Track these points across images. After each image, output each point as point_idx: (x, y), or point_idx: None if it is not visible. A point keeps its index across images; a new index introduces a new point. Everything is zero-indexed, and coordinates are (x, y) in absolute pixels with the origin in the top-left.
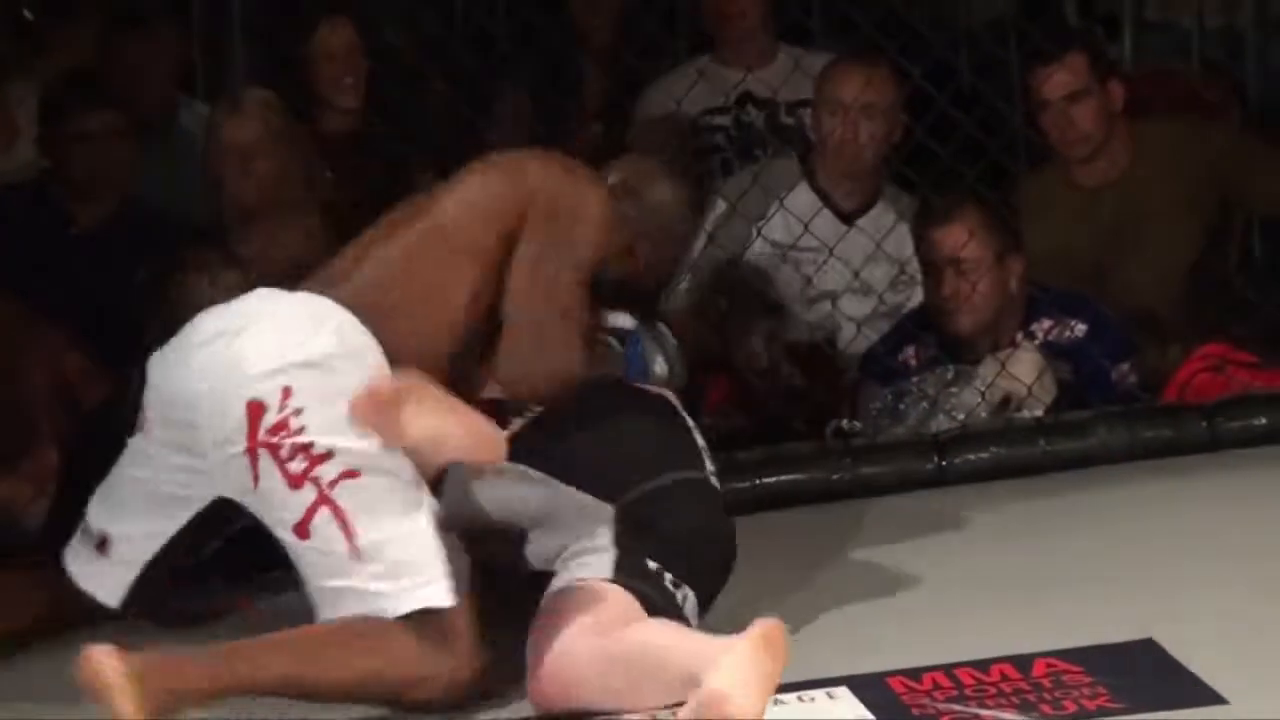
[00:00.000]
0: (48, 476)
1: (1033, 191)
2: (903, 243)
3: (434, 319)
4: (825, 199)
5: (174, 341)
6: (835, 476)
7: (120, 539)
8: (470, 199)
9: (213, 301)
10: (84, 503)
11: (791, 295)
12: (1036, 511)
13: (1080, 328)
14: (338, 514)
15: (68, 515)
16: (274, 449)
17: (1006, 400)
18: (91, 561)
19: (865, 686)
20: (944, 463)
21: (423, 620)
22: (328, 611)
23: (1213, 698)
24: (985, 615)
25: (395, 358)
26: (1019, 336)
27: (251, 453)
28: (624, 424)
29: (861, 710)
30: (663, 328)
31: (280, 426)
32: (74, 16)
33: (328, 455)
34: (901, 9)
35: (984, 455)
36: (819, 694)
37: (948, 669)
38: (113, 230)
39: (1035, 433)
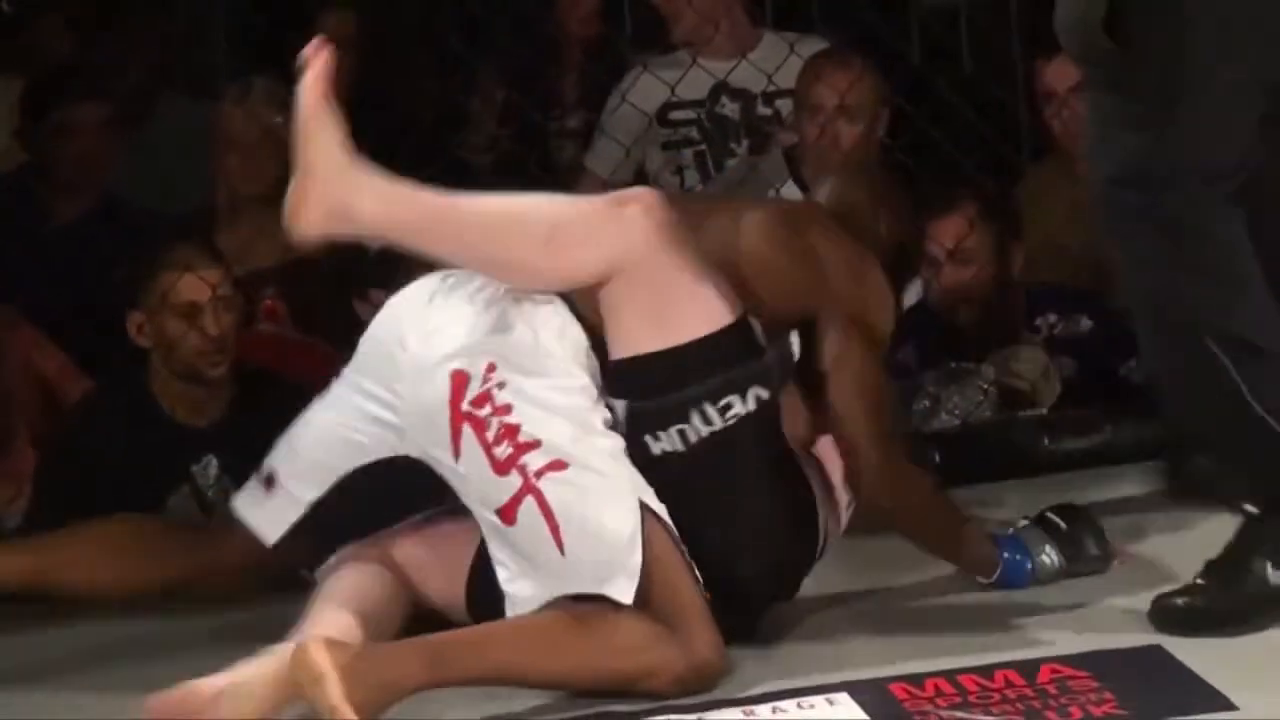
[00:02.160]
0: (25, 475)
1: (1036, 184)
2: None
3: None
4: (810, 195)
5: (410, 292)
6: None
7: (289, 476)
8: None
9: None
10: (63, 501)
11: None
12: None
13: (1085, 323)
14: (543, 507)
15: (46, 515)
16: (479, 425)
17: (1010, 397)
18: (257, 498)
19: (866, 692)
20: (946, 461)
21: (651, 612)
22: (522, 604)
23: (1223, 704)
24: (989, 619)
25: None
26: (1023, 333)
27: (455, 424)
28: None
29: (862, 717)
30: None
31: (483, 399)
32: (54, 8)
33: (535, 444)
34: None
35: (987, 453)
36: (819, 700)
37: (950, 675)
38: (92, 224)
39: (1039, 430)
